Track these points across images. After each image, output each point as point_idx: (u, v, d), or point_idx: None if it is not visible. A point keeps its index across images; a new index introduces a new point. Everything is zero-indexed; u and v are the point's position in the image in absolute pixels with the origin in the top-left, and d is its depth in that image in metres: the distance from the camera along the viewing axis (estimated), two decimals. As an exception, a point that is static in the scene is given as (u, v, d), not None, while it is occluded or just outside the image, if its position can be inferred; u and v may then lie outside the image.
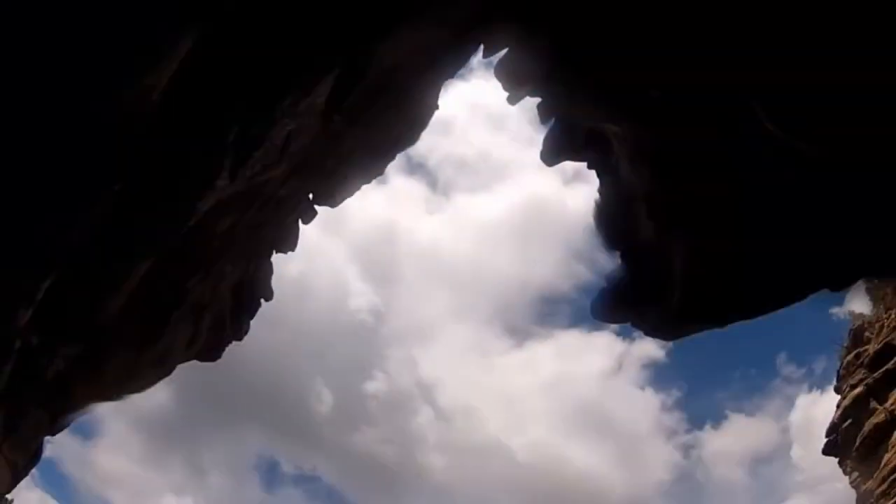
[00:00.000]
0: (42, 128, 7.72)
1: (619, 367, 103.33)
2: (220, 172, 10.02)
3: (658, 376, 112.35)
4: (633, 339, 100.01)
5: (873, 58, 10.01)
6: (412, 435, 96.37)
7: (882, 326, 23.27)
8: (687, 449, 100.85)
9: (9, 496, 13.85)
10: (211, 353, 13.61)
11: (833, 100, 10.65)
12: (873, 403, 22.71)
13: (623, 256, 17.04)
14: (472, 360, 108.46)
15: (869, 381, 23.02)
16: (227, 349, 14.37)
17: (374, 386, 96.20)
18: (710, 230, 14.17)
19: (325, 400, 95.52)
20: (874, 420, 22.35)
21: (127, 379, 11.33)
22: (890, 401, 22.04)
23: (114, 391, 11.52)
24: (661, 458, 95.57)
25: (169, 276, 10.71)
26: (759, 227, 13.60)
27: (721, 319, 15.95)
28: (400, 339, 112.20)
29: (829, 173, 11.98)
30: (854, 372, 24.11)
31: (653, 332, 17.99)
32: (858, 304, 26.25)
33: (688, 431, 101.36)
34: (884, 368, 22.61)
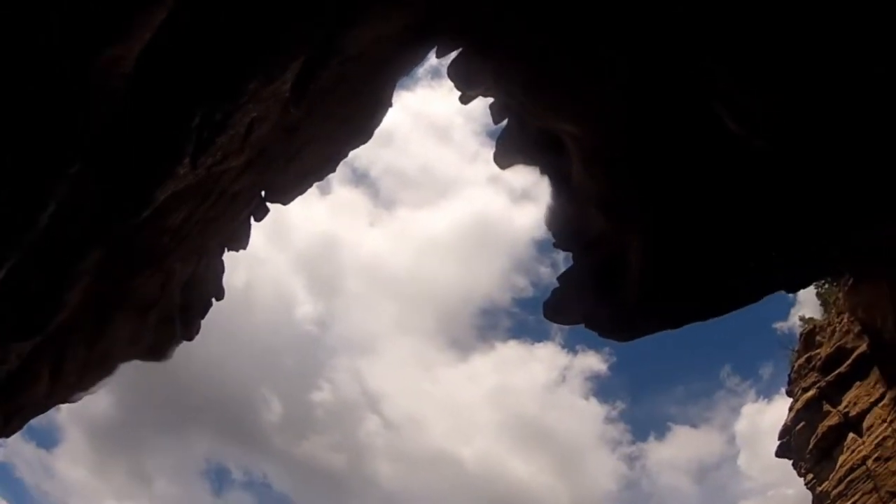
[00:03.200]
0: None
1: (563, 379, 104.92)
2: (182, 158, 9.46)
3: (601, 389, 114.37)
4: (575, 353, 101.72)
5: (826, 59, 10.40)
6: (360, 443, 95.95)
7: (833, 331, 23.57)
8: (632, 460, 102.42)
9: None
10: (159, 352, 12.77)
11: (791, 99, 11.00)
12: (826, 406, 23.02)
13: (576, 255, 17.15)
14: (417, 372, 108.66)
15: (821, 384, 23.23)
16: (175, 352, 13.57)
17: (321, 396, 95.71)
18: (665, 228, 14.40)
19: (273, 408, 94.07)
20: (827, 423, 22.69)
21: (78, 377, 10.43)
22: (843, 403, 22.36)
23: (65, 391, 10.58)
24: (606, 469, 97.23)
25: (115, 271, 9.99)
26: (714, 227, 13.89)
27: (676, 318, 16.16)
28: (345, 349, 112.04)
29: (784, 175, 12.37)
30: (806, 375, 24.47)
31: (607, 331, 18.06)
32: (808, 309, 27.18)
33: (632, 443, 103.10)
34: (836, 371, 22.73)
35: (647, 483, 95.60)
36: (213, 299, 13.98)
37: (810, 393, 23.84)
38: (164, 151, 9.30)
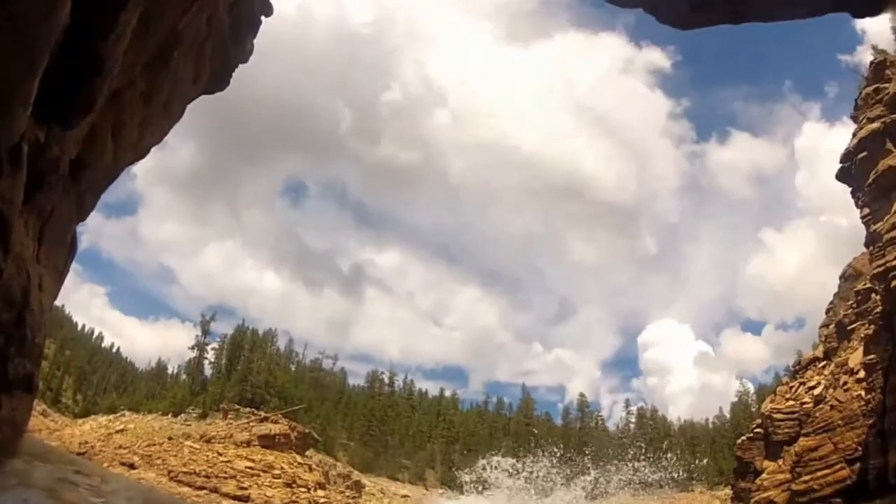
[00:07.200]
0: None
1: (626, 70, 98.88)
2: None
3: (665, 84, 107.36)
4: (640, 47, 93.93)
5: None
6: (430, 140, 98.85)
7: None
8: (693, 158, 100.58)
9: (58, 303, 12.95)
10: (218, 81, 13.49)
11: None
12: (888, 144, 21.68)
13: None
14: (480, 65, 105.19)
15: (886, 119, 21.75)
16: (242, 88, 14.05)
17: (390, 96, 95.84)
18: None
19: (344, 116, 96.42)
20: (889, 161, 21.53)
21: (141, 135, 11.52)
22: (904, 147, 20.93)
23: (132, 153, 11.72)
24: (668, 164, 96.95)
25: (159, 19, 10.37)
26: None
27: (739, 12, 15.35)
28: (408, 47, 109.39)
29: None
30: (873, 106, 22.68)
31: (668, 16, 17.40)
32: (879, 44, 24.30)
33: (695, 141, 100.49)
34: (903, 110, 20.07)
35: (706, 181, 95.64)
36: (262, 17, 14.15)
37: (875, 125, 22.38)
38: None
